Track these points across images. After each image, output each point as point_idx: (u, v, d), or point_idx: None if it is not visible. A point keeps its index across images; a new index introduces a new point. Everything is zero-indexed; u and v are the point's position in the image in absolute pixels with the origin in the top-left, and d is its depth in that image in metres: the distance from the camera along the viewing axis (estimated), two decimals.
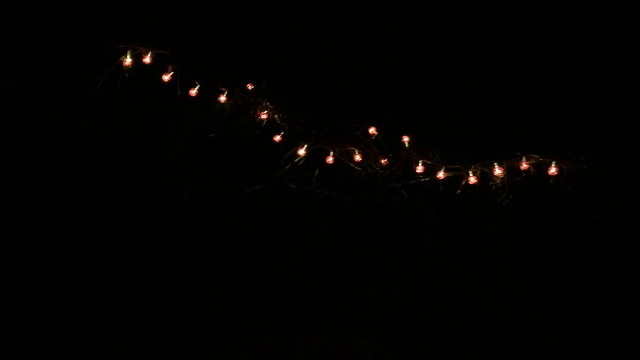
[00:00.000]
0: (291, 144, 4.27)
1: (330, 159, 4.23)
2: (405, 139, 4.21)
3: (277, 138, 4.26)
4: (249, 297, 4.19)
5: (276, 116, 4.27)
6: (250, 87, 4.27)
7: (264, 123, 4.25)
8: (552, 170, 3.89)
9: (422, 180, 4.14)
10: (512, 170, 3.98)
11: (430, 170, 4.14)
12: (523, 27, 4.14)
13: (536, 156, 3.92)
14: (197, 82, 4.17)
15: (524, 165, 3.95)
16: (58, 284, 3.92)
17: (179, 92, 4.14)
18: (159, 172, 4.17)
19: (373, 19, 4.31)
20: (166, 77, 4.14)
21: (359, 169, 4.23)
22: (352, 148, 4.23)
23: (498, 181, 4.00)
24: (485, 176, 4.03)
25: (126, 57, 4.02)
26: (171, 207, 4.22)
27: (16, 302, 3.89)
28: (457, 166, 4.09)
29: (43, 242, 3.99)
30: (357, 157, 4.23)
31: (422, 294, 4.19)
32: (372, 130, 4.26)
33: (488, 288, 4.09)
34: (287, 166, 4.25)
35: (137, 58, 4.07)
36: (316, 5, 4.32)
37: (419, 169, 4.15)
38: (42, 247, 3.97)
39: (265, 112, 4.24)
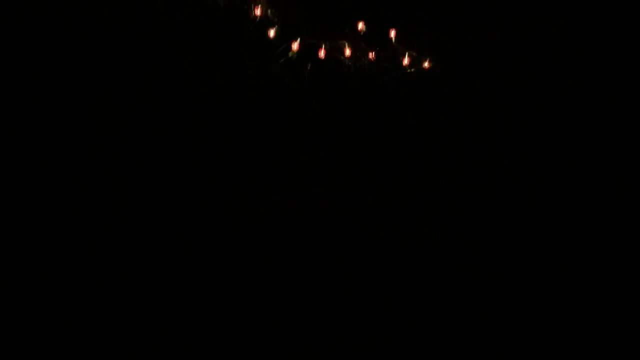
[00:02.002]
0: (284, 38, 4.41)
1: (322, 53, 4.43)
2: (392, 32, 4.50)
3: (271, 33, 4.39)
4: None
5: (269, 11, 4.39)
6: None
7: (258, 19, 4.36)
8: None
9: (409, 71, 4.46)
10: None
11: (416, 62, 4.47)
12: None
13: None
14: None
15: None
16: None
17: None
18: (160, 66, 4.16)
19: None
20: None
21: (349, 62, 4.47)
22: (343, 42, 4.46)
23: None
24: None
25: None
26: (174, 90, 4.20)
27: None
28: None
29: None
30: (347, 52, 4.47)
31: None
32: (360, 25, 4.51)
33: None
34: (281, 60, 4.40)
35: None
36: None
37: (405, 61, 4.46)
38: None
39: (259, 7, 4.35)
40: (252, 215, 4.08)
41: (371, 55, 4.47)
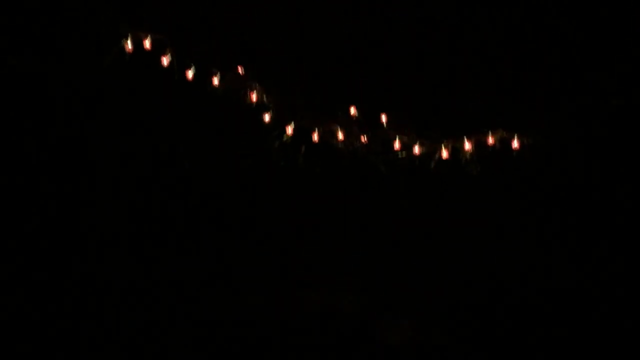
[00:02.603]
0: (279, 123, 4.59)
1: (315, 137, 4.60)
2: (383, 117, 4.64)
3: (267, 118, 4.58)
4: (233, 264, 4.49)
5: (265, 97, 4.58)
6: (241, 69, 4.55)
7: (254, 104, 4.55)
8: (515, 144, 4.45)
9: (399, 156, 4.59)
10: (480, 145, 4.51)
11: (407, 147, 4.60)
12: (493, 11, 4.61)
13: (502, 131, 4.46)
14: (192, 65, 4.41)
15: (491, 140, 4.49)
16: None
17: (175, 75, 4.37)
18: (155, 150, 4.39)
19: (357, 6, 4.68)
20: (165, 61, 4.36)
21: (342, 146, 4.62)
22: (335, 126, 4.62)
23: (467, 155, 4.52)
24: (456, 151, 4.54)
25: (127, 42, 4.21)
26: (158, 182, 4.45)
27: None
28: (430, 142, 4.57)
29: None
30: (340, 136, 4.62)
31: (400, 260, 4.64)
32: (353, 110, 4.66)
33: (461, 252, 4.59)
34: (276, 144, 4.58)
35: (137, 43, 4.26)
36: None
37: (397, 145, 4.59)
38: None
39: (255, 93, 4.54)
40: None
41: (363, 138, 4.62)
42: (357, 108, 4.61)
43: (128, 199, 4.31)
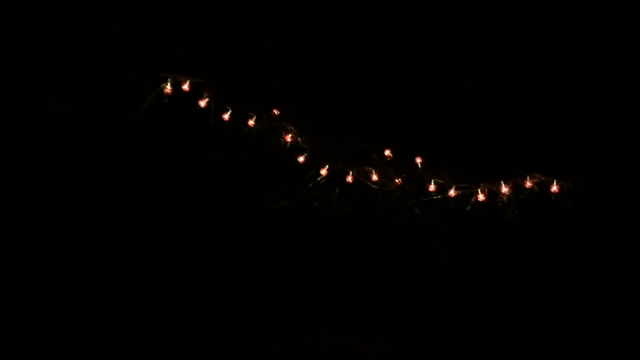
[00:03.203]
0: (313, 164, 4.61)
1: (349, 178, 4.60)
2: (418, 160, 4.61)
3: (301, 159, 4.60)
4: (264, 304, 4.48)
5: (299, 139, 4.61)
6: (276, 112, 4.60)
7: (289, 145, 4.59)
8: (554, 188, 4.36)
9: (434, 198, 4.54)
10: (517, 188, 4.42)
11: (442, 189, 4.55)
12: (526, 50, 4.56)
13: (539, 175, 4.37)
14: (229, 108, 4.49)
15: (528, 184, 4.40)
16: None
17: (212, 117, 4.45)
18: (195, 189, 4.45)
19: (388, 45, 4.69)
20: (202, 103, 4.45)
21: (376, 187, 4.60)
22: (369, 168, 4.61)
23: (505, 198, 4.44)
24: (493, 194, 4.47)
25: (167, 85, 4.32)
26: (198, 221, 4.50)
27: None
28: (467, 185, 4.52)
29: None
30: (374, 177, 4.61)
31: (430, 304, 4.56)
32: (387, 152, 4.65)
33: (494, 299, 4.49)
34: (310, 184, 4.59)
35: (176, 85, 4.37)
36: (336, 34, 4.67)
37: (431, 187, 4.55)
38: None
39: (290, 135, 4.58)
40: None
41: (397, 180, 4.59)
42: (392, 150, 4.59)
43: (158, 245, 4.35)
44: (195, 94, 4.44)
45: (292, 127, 4.57)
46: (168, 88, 4.33)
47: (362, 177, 4.57)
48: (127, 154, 4.38)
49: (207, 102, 4.46)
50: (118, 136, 4.34)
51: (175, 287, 4.38)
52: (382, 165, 4.57)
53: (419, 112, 4.66)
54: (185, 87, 4.42)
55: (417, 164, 4.56)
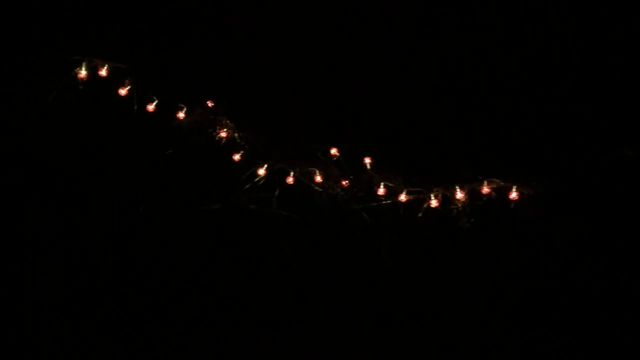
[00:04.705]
0: (251, 163, 4.17)
1: (290, 179, 4.17)
2: (367, 160, 4.20)
3: (237, 157, 4.15)
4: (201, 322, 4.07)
5: (236, 135, 4.16)
6: (210, 104, 4.13)
7: (224, 141, 4.13)
8: (513, 195, 4.01)
9: (383, 202, 4.15)
10: (473, 194, 4.06)
11: (392, 193, 4.16)
12: (485, 54, 4.24)
13: (497, 181, 4.02)
14: (155, 98, 3.98)
15: (486, 190, 4.04)
16: None
17: (135, 107, 3.94)
18: (114, 189, 3.95)
19: (337, 37, 4.28)
20: (123, 91, 3.92)
21: (320, 189, 4.18)
22: (313, 168, 4.18)
23: (459, 205, 4.07)
24: (447, 199, 4.10)
25: (81, 69, 3.79)
26: (126, 224, 4.03)
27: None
28: (419, 189, 4.13)
29: None
30: (318, 178, 4.19)
31: (380, 315, 4.20)
32: (333, 151, 4.23)
33: (447, 309, 4.15)
34: (247, 185, 4.15)
35: (92, 70, 3.84)
36: (280, 23, 4.23)
37: (381, 191, 4.15)
38: None
39: (225, 130, 4.12)
40: None
41: (344, 183, 4.18)
42: (339, 149, 4.16)
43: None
44: (116, 80, 3.90)
45: (228, 122, 4.11)
46: (82, 73, 3.79)
47: (304, 178, 4.14)
48: (36, 147, 3.84)
49: (129, 90, 3.93)
50: (26, 126, 3.79)
51: (93, 293, 3.87)
52: (327, 165, 4.15)
53: (370, 110, 4.25)
54: (103, 72, 3.88)
55: (365, 165, 4.15)
